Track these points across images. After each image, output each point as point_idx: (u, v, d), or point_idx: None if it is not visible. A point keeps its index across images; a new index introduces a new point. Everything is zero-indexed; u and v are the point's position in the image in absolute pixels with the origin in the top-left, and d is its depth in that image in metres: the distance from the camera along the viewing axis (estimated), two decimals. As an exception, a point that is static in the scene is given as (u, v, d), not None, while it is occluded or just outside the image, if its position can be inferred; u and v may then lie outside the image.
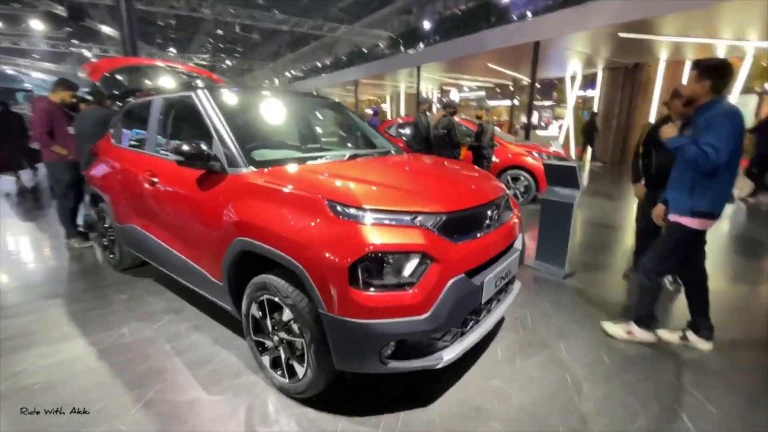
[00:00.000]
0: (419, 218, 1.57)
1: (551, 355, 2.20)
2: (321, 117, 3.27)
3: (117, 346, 2.23)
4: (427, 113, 5.34)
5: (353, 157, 2.34)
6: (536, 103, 17.03)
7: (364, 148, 2.86)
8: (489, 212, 1.88)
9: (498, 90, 30.11)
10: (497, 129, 6.65)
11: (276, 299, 1.72)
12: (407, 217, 1.56)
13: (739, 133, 1.95)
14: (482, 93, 28.81)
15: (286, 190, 1.70)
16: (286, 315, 1.70)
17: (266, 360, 1.90)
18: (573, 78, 14.64)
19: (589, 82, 16.42)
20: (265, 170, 1.86)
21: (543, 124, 23.00)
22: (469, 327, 1.78)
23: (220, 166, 1.97)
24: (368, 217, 1.52)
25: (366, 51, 20.74)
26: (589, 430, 1.66)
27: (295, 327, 1.72)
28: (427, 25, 16.97)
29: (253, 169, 1.89)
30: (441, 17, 16.35)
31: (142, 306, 2.70)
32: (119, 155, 2.98)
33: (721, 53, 11.51)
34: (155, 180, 2.39)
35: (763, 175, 6.54)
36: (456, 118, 5.28)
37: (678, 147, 2.03)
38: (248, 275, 1.93)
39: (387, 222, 1.53)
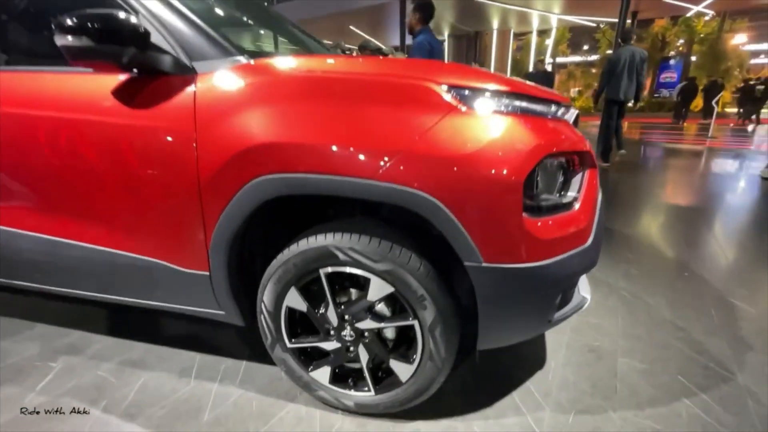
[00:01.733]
0: (560, 110, 1.11)
1: (590, 278, 2.08)
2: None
3: (-30, 445, 1.11)
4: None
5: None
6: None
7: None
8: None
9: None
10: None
11: (349, 270, 1.03)
12: (555, 108, 1.08)
13: (428, 53, 2.88)
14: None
15: (356, 78, 0.98)
16: (377, 291, 1.03)
17: (321, 374, 1.18)
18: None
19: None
20: (277, 65, 1.05)
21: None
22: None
23: (173, 62, 1.06)
24: (519, 107, 0.98)
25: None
26: (691, 332, 1.57)
27: (385, 308, 1.09)
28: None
29: (246, 59, 1.06)
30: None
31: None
32: None
33: (535, 24, 13.86)
34: (-10, 111, 1.21)
35: None
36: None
37: None
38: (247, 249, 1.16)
39: (540, 114, 1.02)
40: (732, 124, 12.76)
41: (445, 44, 14.88)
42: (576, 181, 1.08)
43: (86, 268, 1.27)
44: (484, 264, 0.92)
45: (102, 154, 1.12)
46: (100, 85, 1.10)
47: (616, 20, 8.02)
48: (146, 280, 1.24)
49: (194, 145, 1.02)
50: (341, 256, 1.01)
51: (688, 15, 13.90)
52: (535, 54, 15.98)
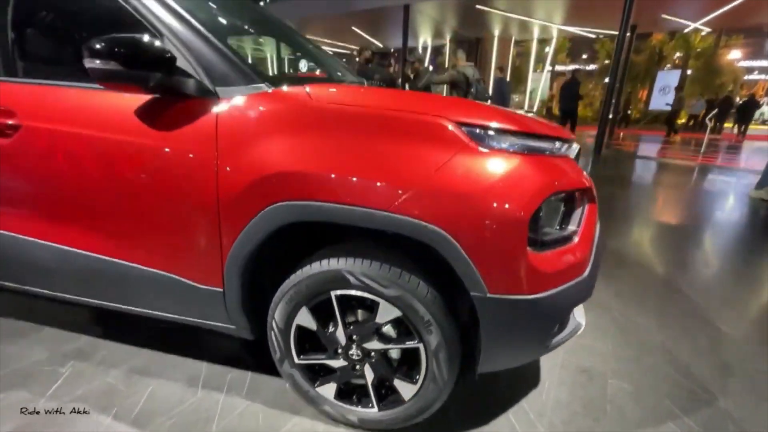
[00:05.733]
0: (564, 146, 1.17)
1: (583, 297, 2.16)
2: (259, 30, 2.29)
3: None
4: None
5: (361, 82, 1.69)
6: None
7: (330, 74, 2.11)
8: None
9: (344, 59, 30.29)
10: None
11: (359, 294, 1.08)
12: (559, 145, 1.14)
13: None
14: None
15: (374, 113, 1.03)
16: (385, 314, 1.09)
17: (326, 390, 1.23)
18: (425, 49, 15.62)
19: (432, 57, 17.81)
20: (307, 89, 1.10)
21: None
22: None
23: (197, 86, 1.10)
24: (528, 145, 1.04)
25: None
26: (678, 355, 1.64)
27: (391, 330, 1.14)
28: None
29: (268, 88, 1.10)
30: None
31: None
32: None
33: (536, 33, 13.99)
34: (12, 122, 1.24)
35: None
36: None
37: None
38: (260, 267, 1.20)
39: (546, 152, 1.08)
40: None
41: (446, 49, 14.98)
42: (576, 215, 1.13)
43: (103, 279, 1.31)
44: (489, 295, 0.98)
45: (124, 172, 1.16)
46: (123, 103, 1.14)
47: (615, 32, 8.16)
48: (161, 294, 1.28)
49: (215, 169, 1.07)
50: (352, 280, 1.07)
51: (686, 31, 14.12)
52: (534, 60, 16.13)
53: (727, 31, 18.89)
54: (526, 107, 16.83)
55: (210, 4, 1.60)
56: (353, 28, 12.46)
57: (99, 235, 1.25)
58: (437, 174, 0.95)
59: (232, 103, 1.08)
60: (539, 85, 17.94)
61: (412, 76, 5.15)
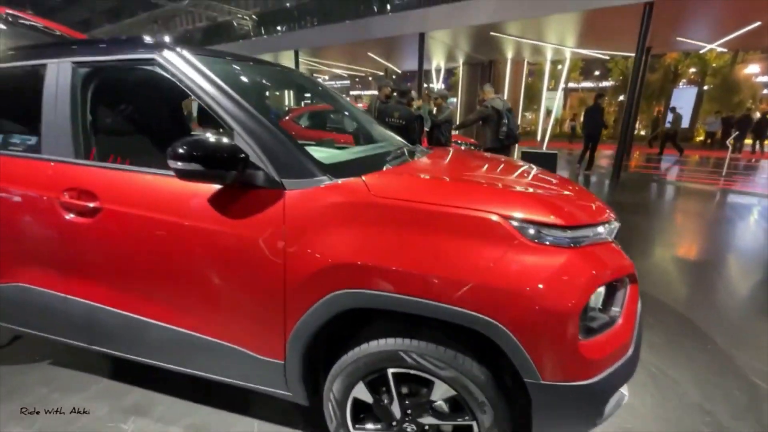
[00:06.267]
0: (607, 230, 1.23)
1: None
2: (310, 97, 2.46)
3: None
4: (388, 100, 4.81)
5: (411, 155, 1.79)
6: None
7: (376, 142, 2.24)
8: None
9: (357, 80, 30.93)
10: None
11: (414, 372, 1.15)
12: (602, 230, 1.21)
13: None
14: (347, 82, 29.35)
15: (429, 209, 1.11)
16: (440, 392, 1.15)
17: (379, 458, 1.30)
18: (438, 70, 15.90)
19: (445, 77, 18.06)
20: (364, 178, 1.20)
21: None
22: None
23: (265, 178, 1.21)
24: (576, 238, 1.11)
25: (220, 26, 18.22)
26: (717, 416, 1.65)
27: (444, 406, 1.20)
28: (298, 4, 15.48)
29: (330, 180, 1.20)
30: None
31: (57, 421, 1.59)
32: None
33: (549, 55, 14.13)
34: (93, 205, 1.37)
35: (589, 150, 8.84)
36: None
37: None
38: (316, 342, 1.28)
39: (592, 241, 1.15)
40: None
41: (459, 71, 15.23)
42: (620, 296, 1.19)
43: (173, 346, 1.42)
44: (542, 382, 1.04)
45: (199, 255, 1.27)
46: (197, 190, 1.25)
47: (627, 54, 8.23)
48: (226, 362, 1.37)
49: (283, 256, 1.17)
50: (409, 360, 1.14)
51: (702, 52, 14.09)
52: (548, 79, 16.22)
53: (744, 47, 18.78)
54: (540, 126, 16.85)
55: (265, 82, 1.73)
56: (369, 53, 12.80)
57: (173, 309, 1.36)
58: (491, 268, 1.03)
59: (297, 194, 1.18)
60: (553, 103, 17.98)
61: (435, 110, 5.33)
